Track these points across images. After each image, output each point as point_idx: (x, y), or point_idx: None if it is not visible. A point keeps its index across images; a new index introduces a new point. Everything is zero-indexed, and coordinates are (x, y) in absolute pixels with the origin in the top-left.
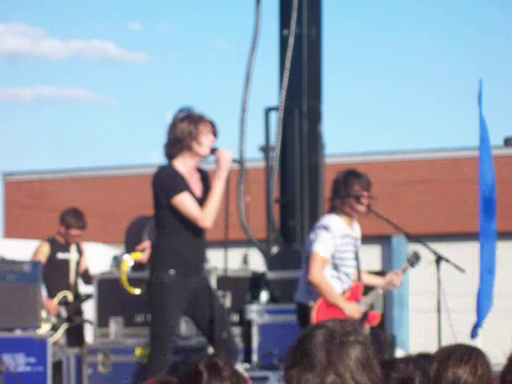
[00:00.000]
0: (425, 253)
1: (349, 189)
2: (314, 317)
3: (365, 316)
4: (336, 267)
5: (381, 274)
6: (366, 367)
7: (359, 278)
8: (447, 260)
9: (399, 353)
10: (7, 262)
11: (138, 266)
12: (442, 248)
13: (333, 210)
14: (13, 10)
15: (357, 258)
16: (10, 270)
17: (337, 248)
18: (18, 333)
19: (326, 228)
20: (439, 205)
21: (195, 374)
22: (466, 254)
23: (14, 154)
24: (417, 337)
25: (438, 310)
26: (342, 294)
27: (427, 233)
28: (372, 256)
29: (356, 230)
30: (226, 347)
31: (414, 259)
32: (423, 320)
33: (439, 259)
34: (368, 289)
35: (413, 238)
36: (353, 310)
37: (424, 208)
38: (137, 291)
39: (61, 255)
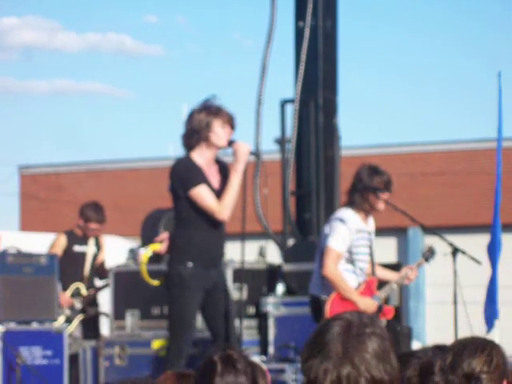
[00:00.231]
0: (441, 245)
1: (370, 184)
2: (328, 311)
3: (379, 310)
4: (351, 261)
5: (397, 266)
6: (382, 359)
7: (373, 272)
8: (463, 252)
9: (416, 345)
10: (24, 254)
11: (155, 258)
12: (459, 240)
13: (350, 204)
14: (28, 3)
15: (371, 253)
16: (27, 263)
17: (352, 242)
18: (35, 326)
19: (341, 221)
20: (456, 197)
21: (209, 365)
22: (483, 246)
23: (30, 146)
24: (433, 329)
25: (455, 302)
26: (356, 288)
27: (443, 225)
28: (388, 248)
29: (370, 225)
30: (230, 342)
31: (429, 254)
32: (440, 312)
33: (455, 251)
34: (382, 283)
35: (429, 229)
36: (367, 304)
37: (440, 200)
38: (156, 283)
39: (77, 248)
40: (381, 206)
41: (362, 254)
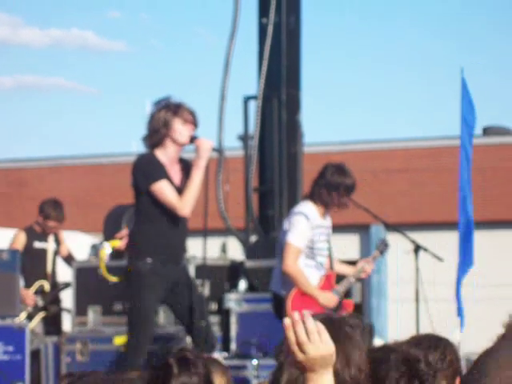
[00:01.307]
0: (403, 242)
1: (334, 182)
2: (289, 306)
3: (339, 304)
4: (312, 256)
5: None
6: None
7: (332, 267)
8: (425, 249)
9: (377, 342)
10: None
11: (116, 255)
12: (421, 237)
13: (311, 197)
14: None
15: (329, 248)
16: None
17: (312, 237)
18: None
19: (301, 216)
20: (418, 194)
21: (165, 367)
22: (445, 243)
23: None
24: (395, 326)
25: (417, 300)
26: (316, 282)
27: (406, 222)
28: (350, 245)
29: (328, 220)
30: (204, 337)
31: (383, 247)
32: (401, 309)
33: (417, 248)
34: (340, 277)
35: (391, 226)
36: (327, 299)
37: (403, 197)
38: (115, 279)
39: (38, 244)
40: (342, 204)
41: (321, 250)
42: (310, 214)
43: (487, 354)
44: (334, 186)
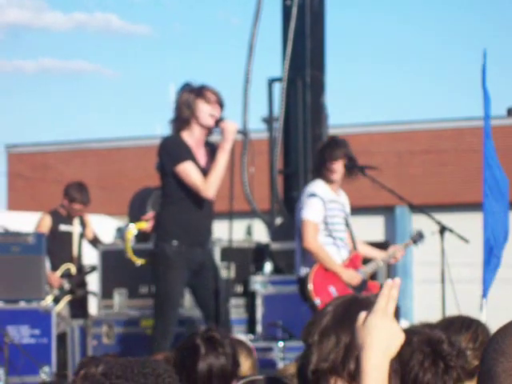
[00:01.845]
0: (429, 223)
1: (328, 154)
2: (312, 282)
3: (363, 285)
4: (329, 233)
5: (384, 244)
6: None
7: (354, 247)
8: (451, 230)
9: (403, 324)
10: (11, 234)
11: (143, 237)
12: (446, 218)
13: (318, 176)
14: None
15: (348, 226)
16: (15, 242)
17: (327, 213)
18: (23, 305)
19: (312, 193)
20: (443, 175)
21: (193, 348)
22: (471, 224)
23: (17, 126)
24: (421, 308)
25: (442, 281)
26: (341, 261)
27: (431, 203)
28: (376, 227)
29: (343, 197)
30: (219, 321)
31: (418, 237)
32: (427, 291)
33: (443, 229)
34: (368, 260)
35: (416, 208)
36: (350, 276)
37: (428, 178)
38: (140, 261)
39: (63, 227)
40: (334, 174)
41: (338, 224)
42: (320, 190)
43: (503, 332)
44: (329, 158)
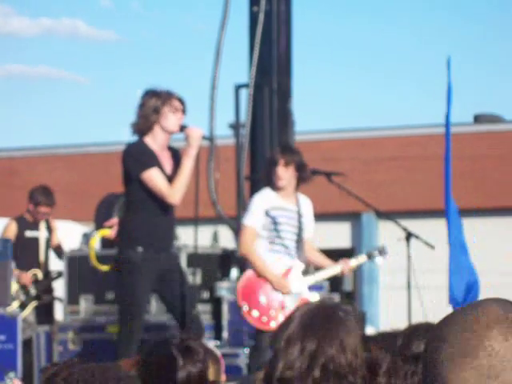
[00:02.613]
0: (395, 229)
1: (268, 159)
2: (241, 286)
3: (296, 296)
4: (272, 240)
5: (350, 251)
6: (351, 345)
7: (305, 254)
8: (417, 237)
9: (369, 330)
10: None
11: (108, 243)
12: (412, 225)
13: (267, 183)
14: None
15: (299, 233)
16: None
17: (270, 220)
18: None
19: (253, 201)
20: (409, 182)
21: (169, 358)
22: (437, 230)
23: None
24: (387, 314)
25: (408, 287)
26: (282, 268)
27: (397, 210)
28: (342, 233)
29: (300, 204)
30: (192, 325)
31: (377, 253)
32: (393, 297)
33: (409, 236)
34: (318, 267)
35: (383, 214)
36: (281, 285)
37: (394, 185)
38: (105, 268)
39: (29, 233)
40: (279, 180)
41: (283, 232)
42: (263, 197)
43: (445, 321)
44: (273, 164)
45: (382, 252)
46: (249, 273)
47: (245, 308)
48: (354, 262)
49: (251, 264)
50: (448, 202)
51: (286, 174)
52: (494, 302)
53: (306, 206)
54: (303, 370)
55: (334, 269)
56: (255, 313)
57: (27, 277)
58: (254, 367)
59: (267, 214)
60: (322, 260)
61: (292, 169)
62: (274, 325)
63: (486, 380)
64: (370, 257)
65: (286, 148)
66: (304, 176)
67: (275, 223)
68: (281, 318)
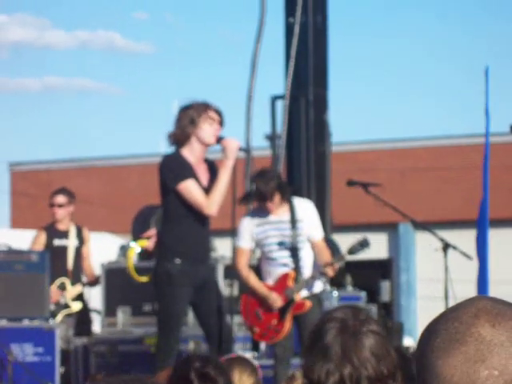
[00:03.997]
0: (432, 240)
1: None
2: (241, 304)
3: (288, 305)
4: (264, 255)
5: (387, 261)
6: (380, 355)
7: (297, 261)
8: (454, 247)
9: (407, 341)
10: (15, 251)
11: (146, 255)
12: (449, 235)
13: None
14: (17, 1)
15: (293, 242)
16: (18, 260)
17: (258, 236)
18: (26, 323)
19: (242, 222)
20: (446, 192)
21: (186, 382)
22: (474, 241)
23: (20, 144)
24: (424, 325)
25: (446, 298)
26: (273, 280)
27: (434, 220)
28: (379, 244)
29: (282, 214)
30: (221, 339)
31: (356, 247)
32: (431, 308)
33: (446, 246)
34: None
35: (420, 225)
36: (272, 299)
37: (431, 195)
38: (143, 279)
39: (58, 241)
40: (271, 211)
41: (271, 245)
42: (249, 217)
43: (438, 316)
44: (259, 197)
45: (363, 244)
46: (246, 292)
47: (248, 325)
48: (336, 262)
49: (245, 282)
50: (483, 212)
51: (274, 203)
52: (483, 298)
53: (303, 210)
54: None
55: (318, 271)
56: (256, 329)
57: (54, 292)
58: (280, 378)
59: (255, 232)
60: (322, 256)
61: (278, 195)
62: (274, 338)
63: (474, 364)
64: (352, 252)
65: (266, 181)
66: (285, 192)
67: (263, 238)
68: (278, 330)
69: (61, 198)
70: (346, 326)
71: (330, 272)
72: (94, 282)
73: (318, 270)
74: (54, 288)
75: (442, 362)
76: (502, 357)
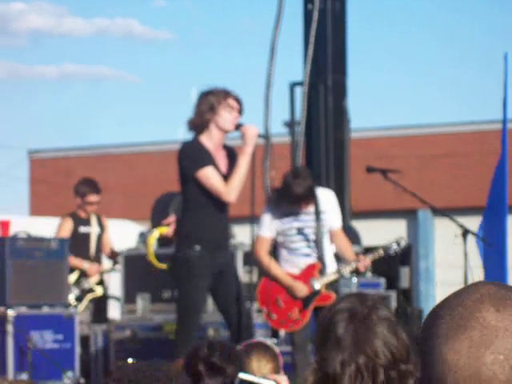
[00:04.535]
0: (452, 226)
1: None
2: (258, 291)
3: (313, 295)
4: (286, 245)
5: (406, 248)
6: (393, 343)
7: (320, 253)
8: (473, 233)
9: None
10: (34, 239)
11: (165, 243)
12: (469, 221)
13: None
14: None
15: (316, 233)
16: (38, 248)
17: (280, 226)
18: (46, 310)
19: (262, 210)
20: (466, 178)
21: (195, 372)
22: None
23: (39, 131)
24: None
25: (465, 284)
26: (297, 271)
27: (453, 206)
28: (398, 230)
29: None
30: (243, 325)
31: (390, 247)
32: (450, 293)
33: (466, 232)
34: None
35: (439, 211)
36: (297, 289)
37: (450, 182)
38: (163, 266)
39: (82, 229)
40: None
41: (292, 236)
42: (271, 208)
43: (441, 301)
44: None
45: (398, 243)
46: (264, 278)
47: (264, 311)
48: (370, 258)
49: (266, 271)
50: (503, 198)
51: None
52: (487, 283)
53: (326, 201)
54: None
55: (349, 266)
56: (274, 316)
57: (95, 267)
58: (299, 366)
59: (278, 223)
60: (345, 253)
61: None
62: (292, 326)
63: (478, 349)
64: (387, 250)
65: (302, 184)
66: (315, 193)
67: (285, 229)
68: (299, 319)
69: (95, 198)
70: (355, 314)
71: (362, 267)
72: (114, 256)
73: (347, 265)
74: (75, 274)
75: (447, 348)
76: (507, 341)
